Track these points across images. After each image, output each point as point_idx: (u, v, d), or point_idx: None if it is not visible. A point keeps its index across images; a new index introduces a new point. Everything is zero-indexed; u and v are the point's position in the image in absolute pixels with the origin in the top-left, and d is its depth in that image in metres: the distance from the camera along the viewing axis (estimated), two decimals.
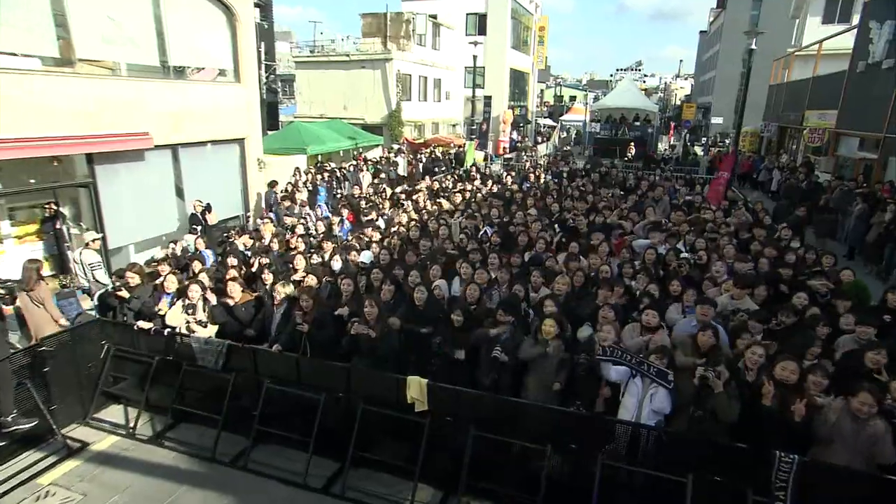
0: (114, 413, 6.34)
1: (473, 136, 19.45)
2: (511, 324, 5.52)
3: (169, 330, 6.10)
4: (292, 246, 8.31)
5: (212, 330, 6.15)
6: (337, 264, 7.53)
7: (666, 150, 31.87)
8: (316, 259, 8.01)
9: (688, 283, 6.59)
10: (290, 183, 14.90)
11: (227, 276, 6.74)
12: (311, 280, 6.64)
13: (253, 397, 5.62)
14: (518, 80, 38.28)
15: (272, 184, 14.45)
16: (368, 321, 5.51)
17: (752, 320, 5.52)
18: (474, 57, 18.49)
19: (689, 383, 4.48)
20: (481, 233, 8.84)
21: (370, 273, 6.80)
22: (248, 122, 12.73)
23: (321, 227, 9.43)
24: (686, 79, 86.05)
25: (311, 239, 8.90)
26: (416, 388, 5.03)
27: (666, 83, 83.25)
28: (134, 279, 6.64)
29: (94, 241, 7.89)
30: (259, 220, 10.07)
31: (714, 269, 7.12)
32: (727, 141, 37.58)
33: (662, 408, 4.54)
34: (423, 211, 10.50)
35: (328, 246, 8.05)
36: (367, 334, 5.43)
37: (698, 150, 31.42)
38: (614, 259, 7.83)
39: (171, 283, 6.55)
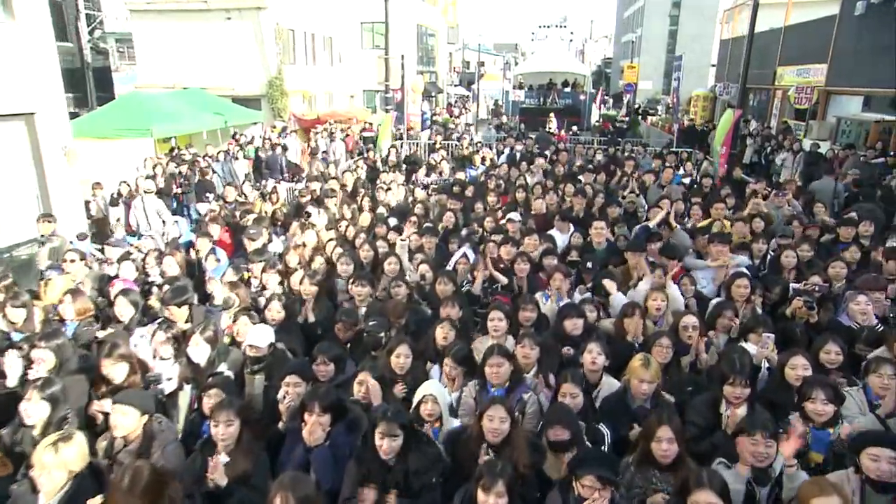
0: None
1: (388, 108, 16.33)
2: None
3: None
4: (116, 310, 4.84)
5: None
6: (200, 353, 4.21)
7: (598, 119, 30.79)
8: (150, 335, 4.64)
9: (849, 344, 4.27)
10: (124, 182, 10.92)
11: None
12: (129, 414, 3.32)
13: None
14: (425, 41, 35.37)
15: (95, 186, 10.73)
16: None
17: None
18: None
19: None
20: (456, 259, 5.86)
21: (280, 377, 3.67)
22: (39, 88, 8.71)
23: (171, 266, 5.88)
24: (597, 41, 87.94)
25: (154, 290, 5.45)
26: None
27: (578, 49, 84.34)
28: None
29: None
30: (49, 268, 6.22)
31: (857, 308, 4.81)
32: (659, 108, 37.55)
33: None
34: (346, 223, 7.20)
35: (179, 314, 4.64)
36: None
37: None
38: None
39: None
